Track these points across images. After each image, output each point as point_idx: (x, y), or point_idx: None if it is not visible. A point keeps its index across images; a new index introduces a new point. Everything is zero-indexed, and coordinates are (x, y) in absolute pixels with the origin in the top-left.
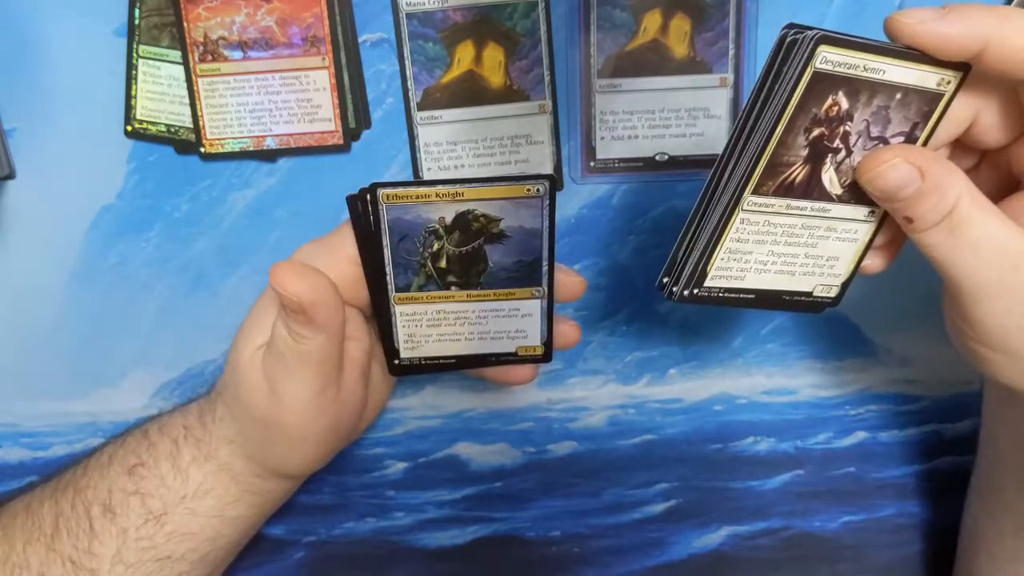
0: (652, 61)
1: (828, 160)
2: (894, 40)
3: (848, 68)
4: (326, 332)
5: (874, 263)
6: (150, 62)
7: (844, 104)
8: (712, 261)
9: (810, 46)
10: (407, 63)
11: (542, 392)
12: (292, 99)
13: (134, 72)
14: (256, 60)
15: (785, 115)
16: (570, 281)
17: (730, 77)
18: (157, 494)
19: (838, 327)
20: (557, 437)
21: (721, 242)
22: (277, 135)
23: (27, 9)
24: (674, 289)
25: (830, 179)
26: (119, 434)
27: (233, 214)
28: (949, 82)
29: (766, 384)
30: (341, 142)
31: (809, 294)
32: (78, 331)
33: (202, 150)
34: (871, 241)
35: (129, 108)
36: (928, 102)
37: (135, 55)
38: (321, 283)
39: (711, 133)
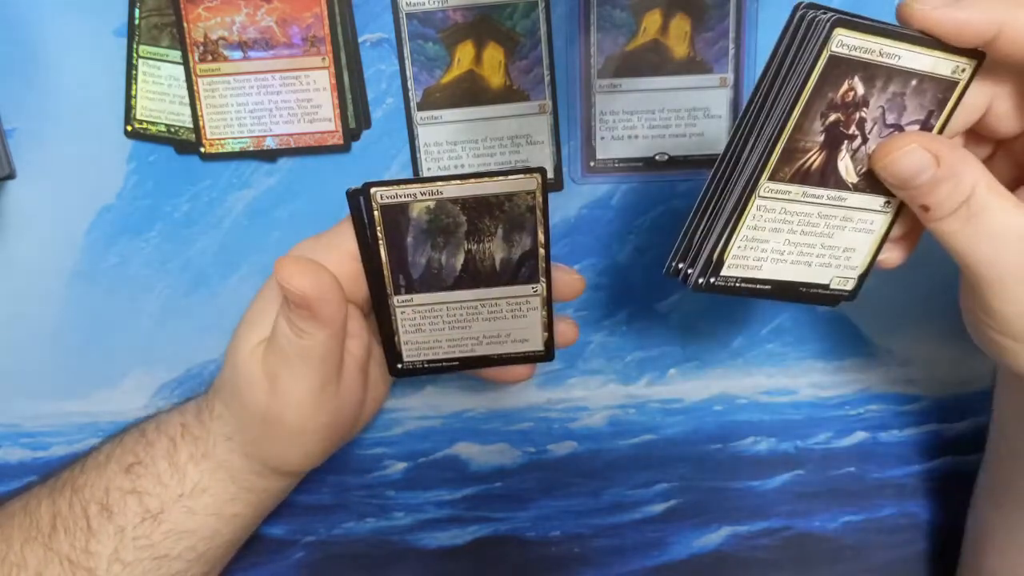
0: (652, 61)
1: (844, 147)
2: (907, 26)
3: (864, 52)
4: (329, 328)
5: (891, 256)
6: (150, 62)
7: (860, 89)
8: (729, 249)
9: (826, 28)
10: (407, 63)
11: (542, 392)
12: (292, 99)
13: (134, 72)
14: (256, 60)
15: (802, 99)
16: (569, 279)
17: (730, 77)
18: (154, 492)
19: (838, 327)
20: (557, 437)
21: (738, 229)
22: (277, 135)
23: (27, 9)
24: (690, 274)
25: (846, 167)
26: (116, 433)
27: (233, 214)
28: (964, 70)
29: (766, 384)
30: (341, 142)
31: (826, 286)
32: (78, 331)
33: (202, 150)
34: (887, 233)
35: (129, 108)
36: (943, 90)
37: (135, 55)
38: (326, 279)
39: (711, 133)
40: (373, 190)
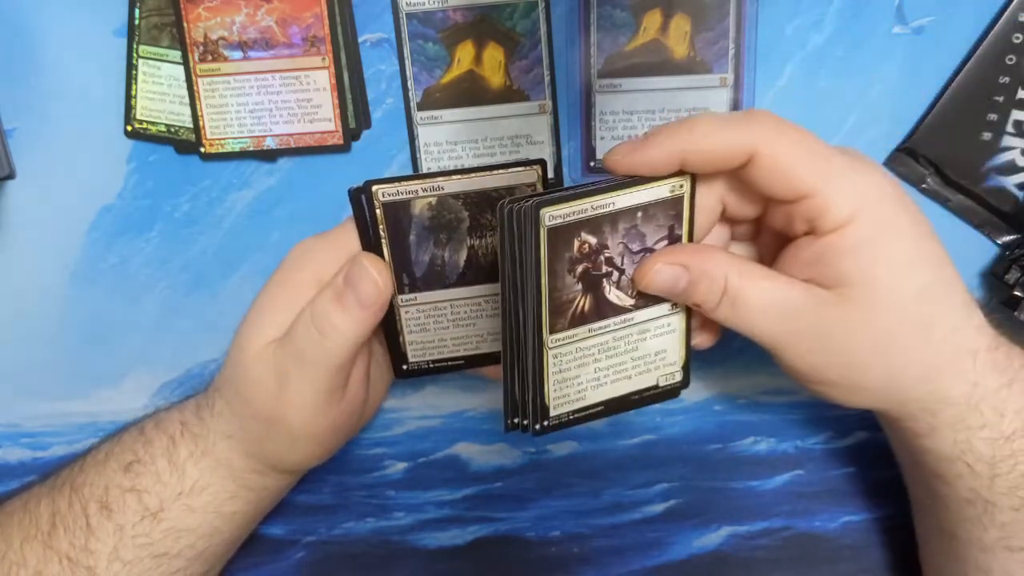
0: (652, 61)
1: (605, 283)
2: (613, 173)
3: (577, 214)
4: (366, 331)
5: (703, 340)
6: (150, 62)
7: (592, 240)
8: (547, 395)
9: (534, 213)
10: (407, 63)
11: None
12: (292, 99)
13: (134, 72)
14: (256, 60)
15: (543, 271)
16: None
17: (730, 77)
18: (154, 491)
19: None
20: (557, 437)
21: (546, 378)
22: (277, 135)
23: (27, 9)
24: (527, 424)
25: (617, 296)
26: (115, 431)
27: (233, 214)
28: (681, 185)
29: (766, 384)
30: (341, 142)
31: (656, 387)
32: (78, 331)
33: (202, 150)
34: (688, 324)
35: (129, 108)
36: (672, 207)
37: (135, 55)
38: (391, 282)
39: None
40: (375, 188)
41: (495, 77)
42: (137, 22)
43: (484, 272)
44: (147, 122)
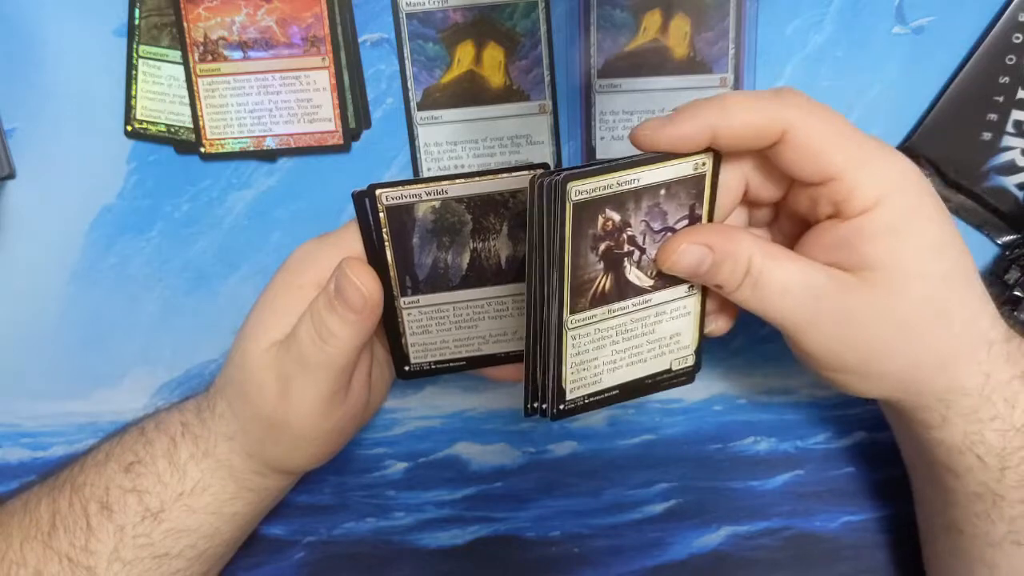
0: (652, 61)
1: (626, 263)
2: (640, 149)
3: (603, 190)
4: (364, 337)
5: (718, 326)
6: (150, 62)
7: (616, 217)
8: (564, 377)
9: (561, 186)
10: (407, 63)
11: None
12: (292, 99)
13: (134, 72)
14: (256, 60)
15: (567, 248)
16: None
17: (730, 77)
18: (154, 491)
19: None
20: (557, 437)
21: (564, 360)
22: (277, 135)
23: (27, 9)
24: (544, 409)
25: (637, 276)
26: (116, 431)
27: (233, 214)
28: (704, 163)
29: (766, 384)
30: (341, 142)
31: (669, 371)
32: (78, 331)
33: (202, 150)
34: (703, 307)
35: (129, 108)
36: (694, 185)
37: (135, 55)
38: (379, 286)
39: None
40: (379, 192)
41: (495, 77)
42: (137, 22)
43: (486, 275)
44: (147, 122)
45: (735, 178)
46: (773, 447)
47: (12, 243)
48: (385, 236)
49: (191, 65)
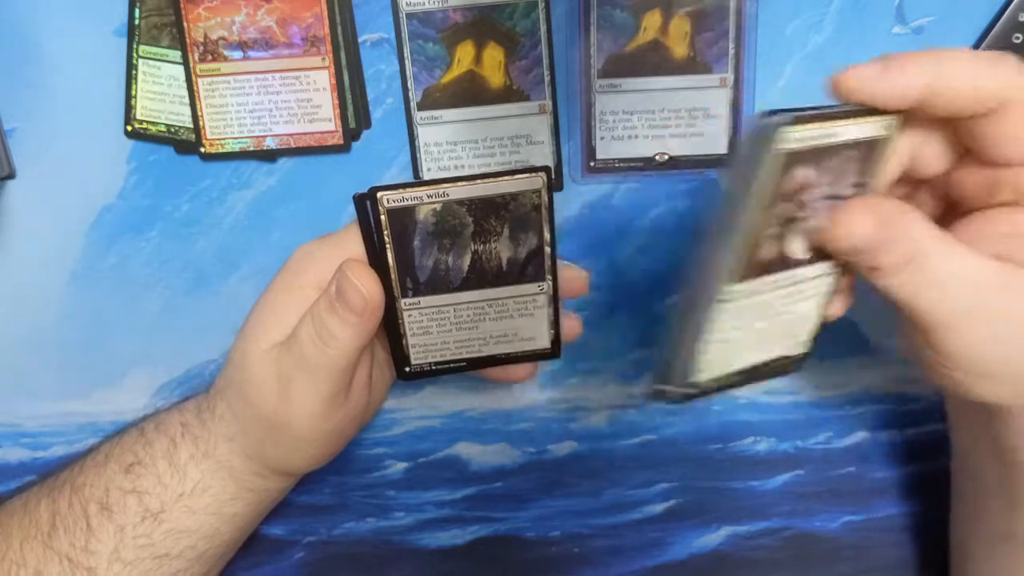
0: (652, 61)
1: (795, 228)
2: (844, 98)
3: (814, 139)
4: (365, 339)
5: (836, 309)
6: (150, 62)
7: (810, 174)
8: (698, 358)
9: (772, 133)
10: (407, 63)
11: (542, 392)
12: (292, 99)
13: (134, 72)
14: (256, 60)
15: (756, 207)
16: (574, 275)
17: (730, 77)
18: (154, 492)
19: (838, 327)
20: (557, 437)
21: (709, 336)
22: (277, 135)
23: (27, 9)
24: (670, 391)
25: (799, 247)
26: (116, 432)
27: (233, 214)
28: (891, 126)
29: (766, 384)
30: (341, 142)
31: (787, 356)
32: (78, 331)
33: (202, 150)
34: (830, 291)
35: (129, 108)
36: (876, 149)
37: (135, 55)
38: (380, 288)
39: (711, 133)
40: (380, 194)
41: (495, 77)
42: (137, 22)
43: (487, 277)
44: (147, 122)
45: (907, 146)
46: (773, 447)
47: (12, 243)
48: (386, 238)
49: (191, 65)
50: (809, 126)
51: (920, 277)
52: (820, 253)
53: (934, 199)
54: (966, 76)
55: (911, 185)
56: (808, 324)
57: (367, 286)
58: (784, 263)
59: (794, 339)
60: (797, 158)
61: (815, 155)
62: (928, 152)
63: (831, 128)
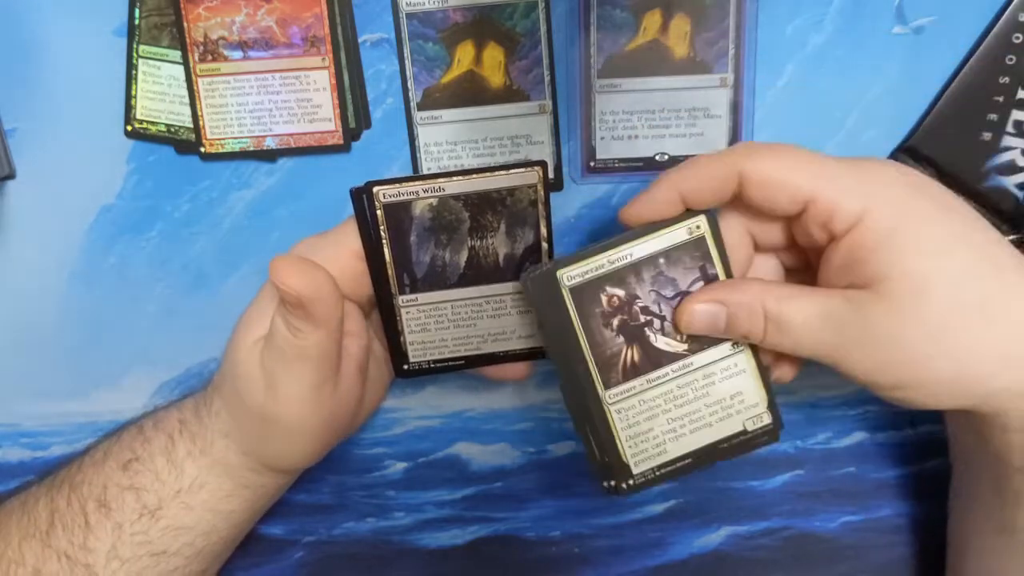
0: (652, 61)
1: (648, 332)
2: (629, 226)
3: (596, 271)
4: (324, 328)
5: (783, 373)
6: (150, 62)
7: (620, 292)
8: (621, 452)
9: (551, 277)
10: (407, 63)
11: (542, 392)
12: (292, 99)
13: (134, 72)
14: (256, 60)
15: (578, 330)
16: None
17: (730, 77)
18: (152, 489)
19: None
20: (557, 437)
21: (615, 434)
22: (277, 135)
23: (27, 9)
24: (620, 487)
25: (666, 343)
26: (114, 430)
27: (233, 214)
28: (698, 226)
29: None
30: (341, 142)
31: (745, 432)
32: (78, 331)
33: (202, 150)
34: (759, 361)
35: (129, 108)
36: (696, 247)
37: (135, 55)
38: (321, 278)
39: (711, 133)
40: (376, 189)
41: (495, 77)
42: (137, 22)
43: (484, 273)
44: (147, 122)
45: (736, 232)
46: (773, 447)
47: (12, 243)
48: (383, 233)
49: (191, 65)
50: (580, 263)
51: (787, 331)
52: (705, 339)
53: (815, 254)
54: (701, 170)
55: (798, 251)
56: (752, 397)
57: (293, 284)
58: (663, 359)
59: (741, 416)
60: (590, 287)
61: (614, 277)
62: (756, 230)
63: (615, 253)
